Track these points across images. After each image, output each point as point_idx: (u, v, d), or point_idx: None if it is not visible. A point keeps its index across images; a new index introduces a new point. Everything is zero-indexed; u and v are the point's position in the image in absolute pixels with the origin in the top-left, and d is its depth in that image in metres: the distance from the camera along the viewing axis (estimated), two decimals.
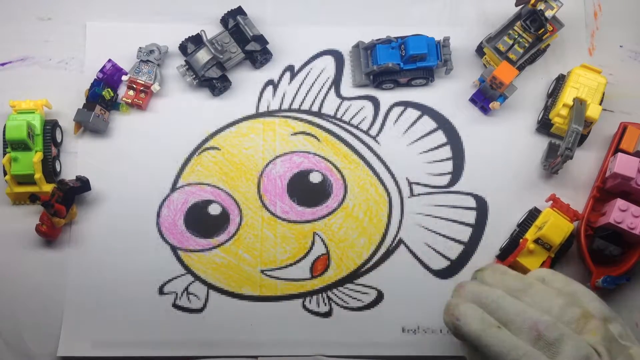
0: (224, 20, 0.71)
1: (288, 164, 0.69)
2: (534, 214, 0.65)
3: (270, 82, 0.71)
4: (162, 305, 0.65)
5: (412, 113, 0.70)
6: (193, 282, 0.65)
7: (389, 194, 0.68)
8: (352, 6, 0.73)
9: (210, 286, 0.65)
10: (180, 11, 0.72)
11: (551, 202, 0.65)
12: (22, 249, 0.66)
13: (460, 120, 0.70)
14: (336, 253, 0.66)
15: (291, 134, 0.69)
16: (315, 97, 0.70)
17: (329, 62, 0.71)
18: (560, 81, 0.68)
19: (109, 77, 0.69)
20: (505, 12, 0.70)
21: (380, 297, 0.65)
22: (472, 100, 0.70)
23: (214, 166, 0.68)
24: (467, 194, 0.68)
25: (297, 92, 0.71)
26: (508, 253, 0.64)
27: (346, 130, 0.70)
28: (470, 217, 0.67)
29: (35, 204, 0.64)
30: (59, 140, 0.68)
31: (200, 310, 0.65)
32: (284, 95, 0.70)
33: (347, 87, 0.71)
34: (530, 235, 0.64)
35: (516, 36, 0.68)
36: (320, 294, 0.65)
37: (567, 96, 0.66)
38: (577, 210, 0.64)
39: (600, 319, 0.49)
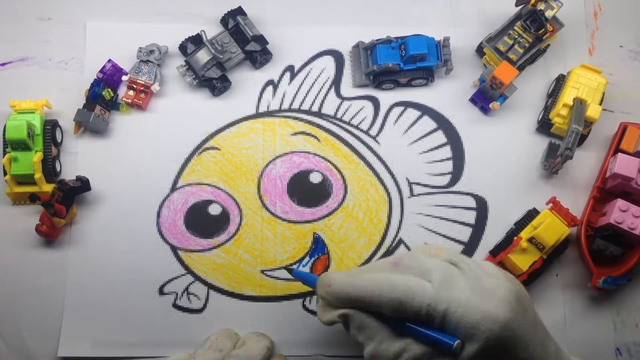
0: (224, 21, 0.71)
1: (288, 164, 0.69)
2: (532, 214, 0.65)
3: (270, 82, 0.71)
4: (162, 305, 0.65)
5: (412, 113, 0.70)
6: (193, 282, 0.66)
7: (389, 194, 0.68)
8: (352, 6, 0.73)
9: (211, 286, 0.65)
10: (180, 11, 0.72)
11: (551, 204, 0.65)
12: (22, 249, 0.66)
13: (460, 120, 0.70)
14: (336, 253, 0.66)
15: (291, 134, 0.69)
16: (315, 97, 0.70)
17: (329, 62, 0.71)
18: (560, 81, 0.68)
19: (109, 77, 0.69)
20: (505, 12, 0.70)
21: None
22: (472, 100, 0.70)
23: (214, 166, 0.68)
24: (467, 194, 0.68)
25: (297, 92, 0.70)
26: (501, 249, 0.64)
27: (346, 130, 0.69)
28: (470, 217, 0.67)
29: (35, 204, 0.64)
30: (59, 140, 0.68)
31: (200, 311, 0.65)
32: (284, 95, 0.70)
33: (347, 87, 0.71)
34: (525, 234, 0.64)
35: (516, 36, 0.68)
36: None
37: (567, 96, 0.66)
38: (575, 216, 0.64)
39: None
